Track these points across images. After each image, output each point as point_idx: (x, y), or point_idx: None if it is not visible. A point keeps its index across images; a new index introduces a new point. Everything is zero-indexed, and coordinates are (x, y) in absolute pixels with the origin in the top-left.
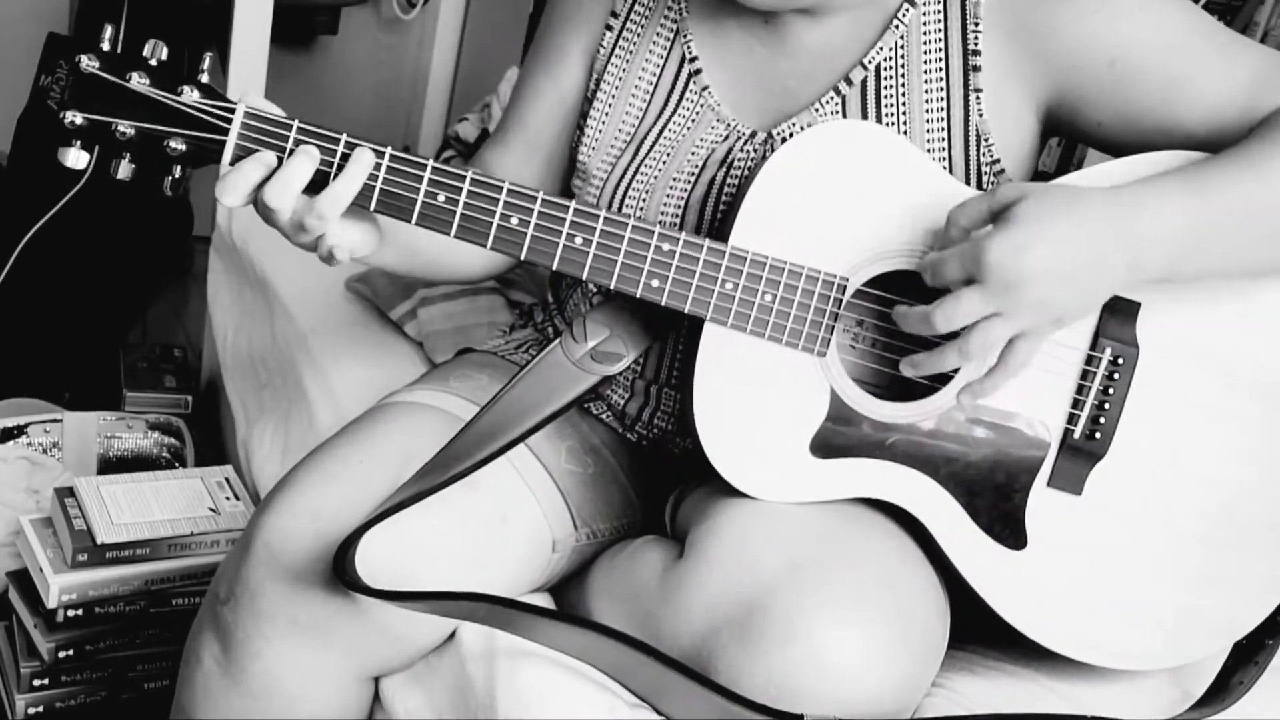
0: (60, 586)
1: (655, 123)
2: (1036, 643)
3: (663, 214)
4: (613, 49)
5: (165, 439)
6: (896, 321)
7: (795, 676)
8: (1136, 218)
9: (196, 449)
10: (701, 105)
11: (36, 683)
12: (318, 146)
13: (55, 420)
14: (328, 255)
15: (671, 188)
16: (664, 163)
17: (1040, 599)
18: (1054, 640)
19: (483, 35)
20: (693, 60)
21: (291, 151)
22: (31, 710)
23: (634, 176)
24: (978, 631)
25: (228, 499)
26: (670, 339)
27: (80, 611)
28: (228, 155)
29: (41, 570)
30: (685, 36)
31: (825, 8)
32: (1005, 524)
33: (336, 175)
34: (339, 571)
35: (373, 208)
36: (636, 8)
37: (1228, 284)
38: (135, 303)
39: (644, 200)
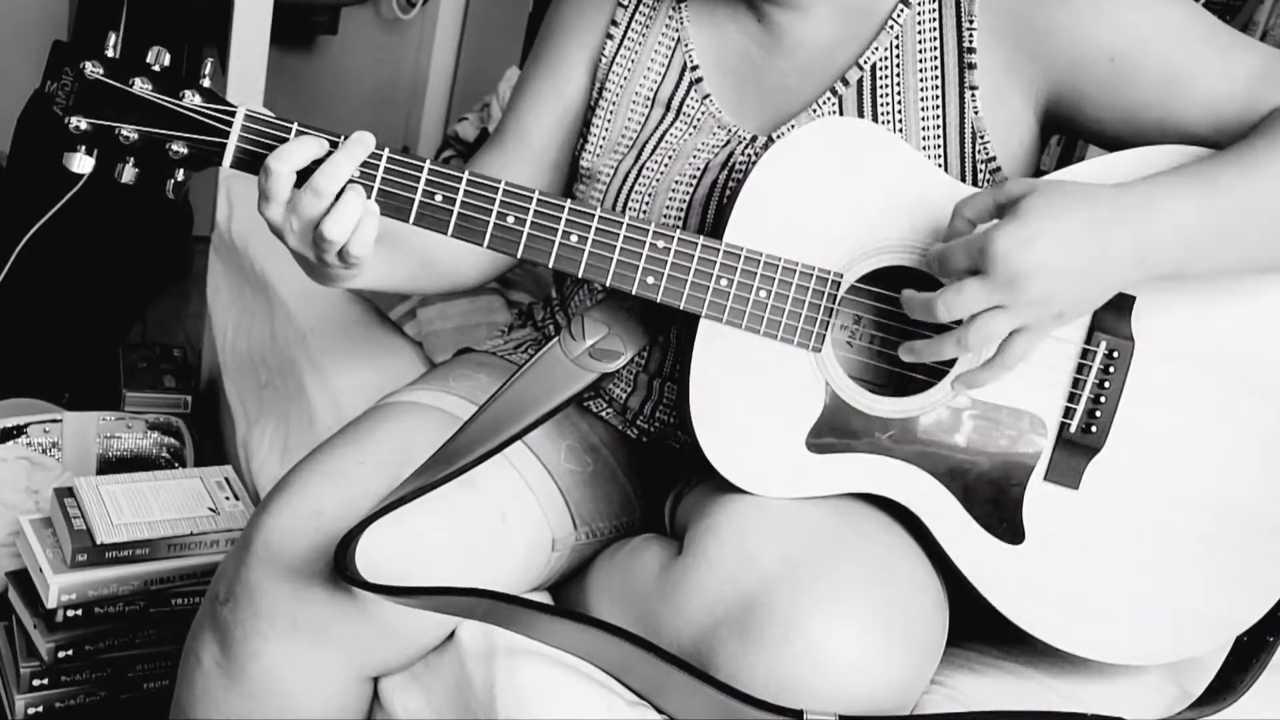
0: (60, 586)
1: (657, 129)
2: (1035, 638)
3: (665, 215)
4: (614, 57)
5: (165, 439)
6: (903, 305)
7: (795, 673)
8: (1147, 214)
9: (196, 449)
10: (703, 112)
11: (36, 683)
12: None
13: (55, 420)
14: (324, 244)
15: (674, 191)
16: (666, 166)
17: (1038, 594)
18: (1052, 636)
19: (482, 35)
20: (694, 69)
21: None
22: (31, 710)
23: (637, 179)
24: (977, 629)
25: (227, 499)
26: (674, 332)
27: (80, 611)
28: (228, 158)
29: (41, 570)
30: (686, 46)
31: None
32: (1003, 519)
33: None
34: (340, 567)
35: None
36: (637, 16)
37: (1225, 280)
38: (135, 303)
39: (647, 203)
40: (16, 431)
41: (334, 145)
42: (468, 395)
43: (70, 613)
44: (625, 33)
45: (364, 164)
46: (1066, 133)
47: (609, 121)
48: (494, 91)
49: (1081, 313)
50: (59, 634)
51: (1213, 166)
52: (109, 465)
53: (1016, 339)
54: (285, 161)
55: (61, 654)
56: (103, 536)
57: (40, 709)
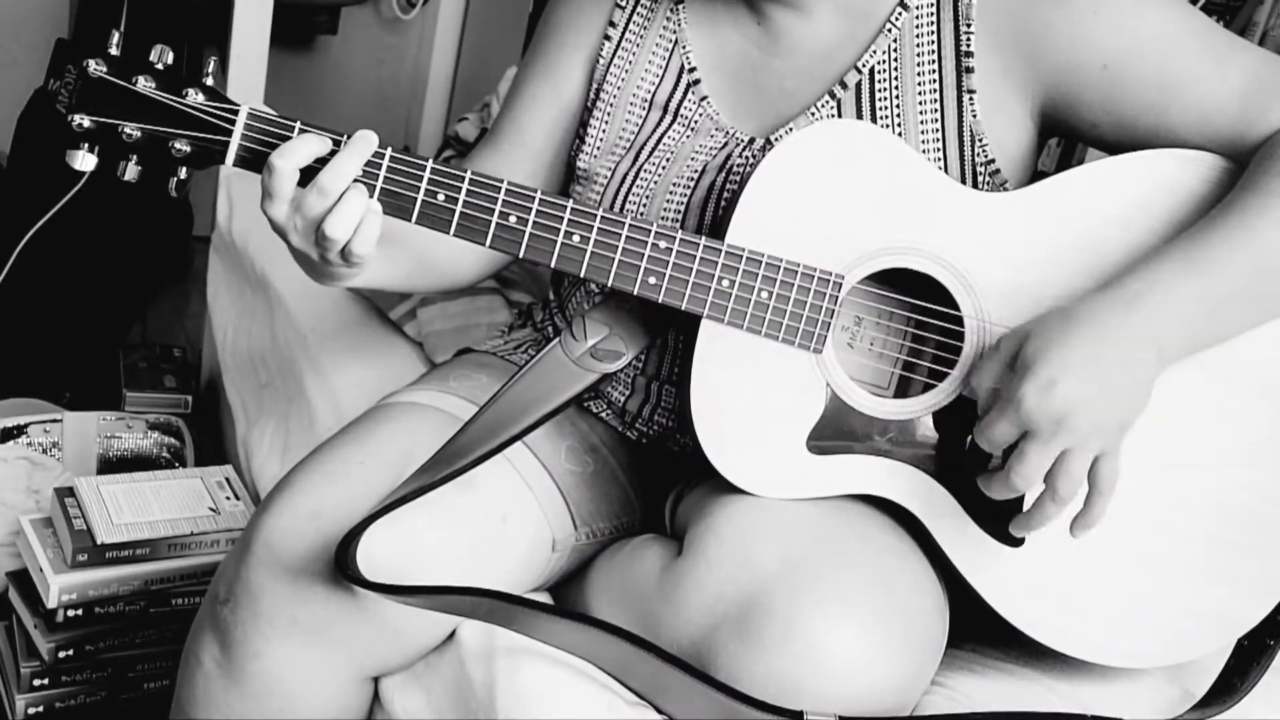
0: (60, 586)
1: (655, 130)
2: (1035, 640)
3: (663, 217)
4: (612, 58)
5: (165, 439)
6: (983, 490)
7: (794, 674)
8: (1147, 316)
9: (196, 449)
10: (700, 114)
11: (36, 683)
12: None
13: (55, 420)
14: (327, 243)
15: (672, 192)
16: (664, 167)
17: (1039, 596)
18: (1053, 638)
19: (482, 35)
20: (691, 71)
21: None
22: (31, 710)
23: (634, 180)
24: (977, 630)
25: (228, 499)
26: (672, 335)
27: (80, 611)
28: (231, 156)
29: (41, 570)
30: (684, 48)
31: None
32: (1003, 520)
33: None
34: (341, 567)
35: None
36: (634, 18)
37: (1249, 329)
38: (135, 303)
39: (645, 204)
40: (17, 431)
41: (337, 144)
42: (468, 395)
43: (70, 613)
44: (623, 33)
45: (367, 163)
46: (1063, 136)
47: (606, 123)
48: (494, 91)
49: (1139, 412)
50: (59, 634)
51: (1205, 242)
52: (109, 465)
53: (1101, 465)
54: (289, 159)
55: (62, 654)
56: (103, 536)
57: (40, 709)
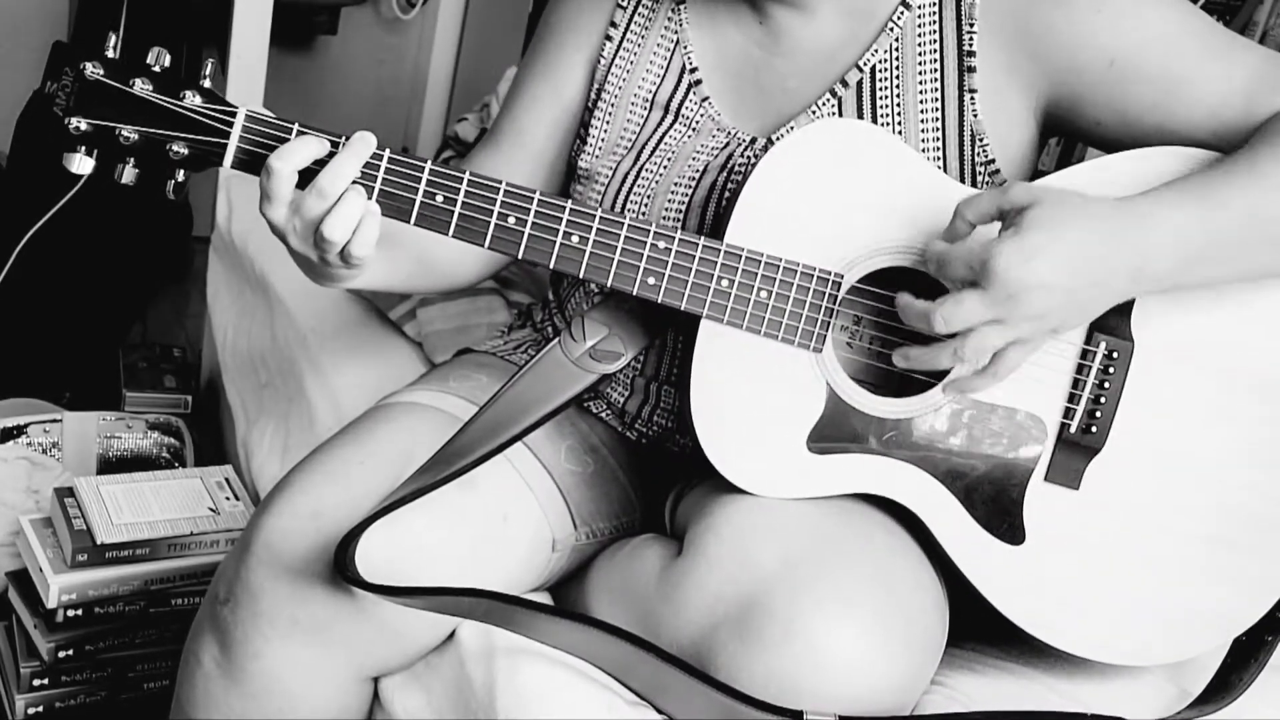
0: (60, 586)
1: (656, 130)
2: (1035, 639)
3: (664, 217)
4: (613, 58)
5: (165, 439)
6: (898, 310)
7: (794, 673)
8: (1145, 231)
9: (196, 449)
10: (702, 115)
11: (36, 683)
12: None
13: (55, 420)
14: (325, 245)
15: (673, 192)
16: (665, 167)
17: (1039, 595)
18: (1053, 636)
19: (482, 35)
20: (693, 71)
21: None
22: (31, 710)
23: (635, 180)
24: (977, 629)
25: (227, 499)
26: (670, 336)
27: (80, 611)
28: (229, 158)
29: (41, 570)
30: (685, 48)
31: None
32: (1003, 519)
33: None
34: (340, 567)
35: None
36: (636, 18)
37: (1225, 283)
38: (135, 303)
39: (646, 204)
40: (16, 431)
41: (335, 145)
42: (468, 396)
43: (70, 613)
44: (624, 34)
45: (365, 164)
46: (1066, 135)
47: (608, 123)
48: (494, 91)
49: (1075, 326)
50: (59, 634)
51: (1211, 180)
52: (109, 465)
53: (1010, 351)
54: (287, 160)
55: (62, 654)
56: (103, 536)
57: (40, 709)
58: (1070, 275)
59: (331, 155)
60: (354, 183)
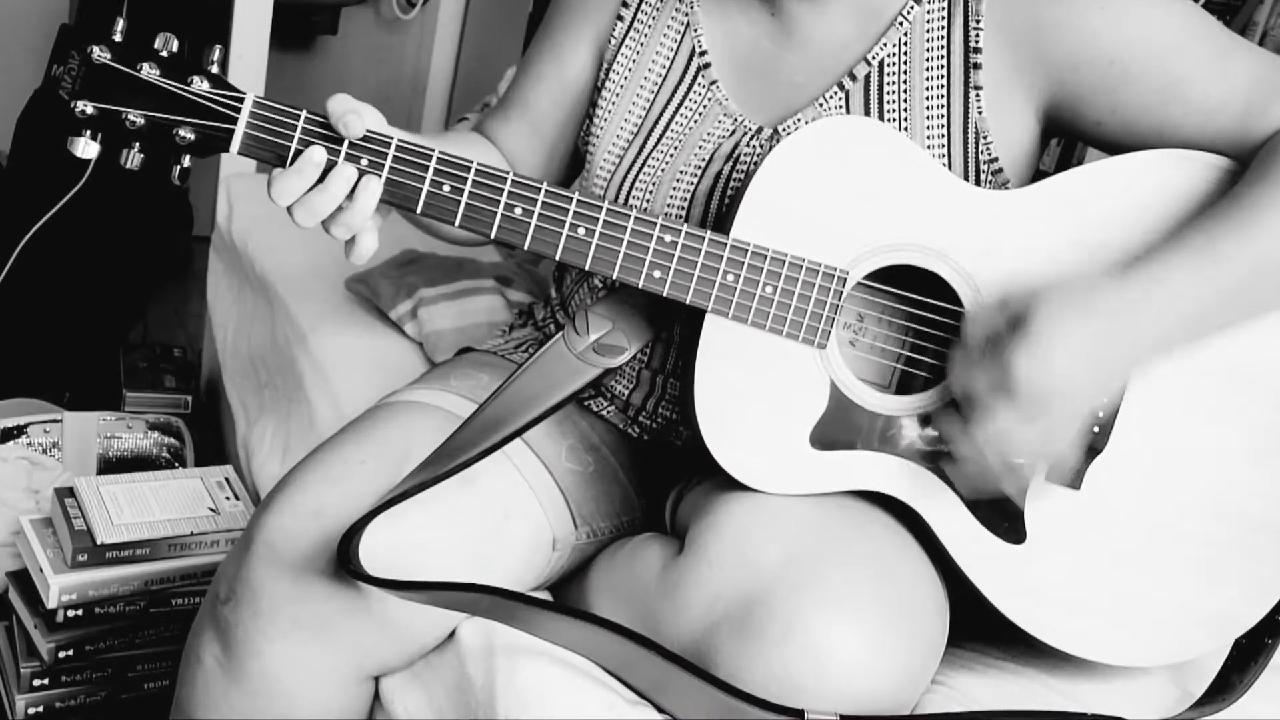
0: (60, 587)
1: (662, 114)
2: (1036, 639)
3: (669, 207)
4: (623, 39)
5: (165, 439)
6: (938, 430)
7: (795, 672)
8: (1155, 311)
9: (196, 449)
10: (709, 99)
11: (36, 683)
12: (324, 147)
13: (55, 420)
14: (331, 234)
15: (678, 181)
16: (671, 156)
17: (1040, 594)
18: (1053, 636)
19: (483, 35)
20: (702, 54)
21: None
22: (31, 710)
23: (641, 169)
24: (978, 629)
25: (228, 499)
26: (676, 327)
27: (80, 611)
28: (235, 144)
29: (41, 570)
30: (695, 31)
31: None
32: (1005, 519)
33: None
34: (343, 562)
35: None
36: (645, 4)
37: (1233, 325)
38: (135, 302)
39: (650, 193)
40: (17, 431)
41: (335, 143)
42: (469, 394)
43: (71, 613)
44: (635, 16)
45: (373, 153)
46: (1067, 135)
47: (614, 104)
48: (494, 91)
49: (1096, 409)
50: (59, 634)
51: (1212, 234)
52: (109, 465)
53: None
54: (286, 197)
55: (62, 654)
56: (103, 536)
57: (40, 709)
58: (1089, 368)
59: (332, 157)
60: (362, 173)
